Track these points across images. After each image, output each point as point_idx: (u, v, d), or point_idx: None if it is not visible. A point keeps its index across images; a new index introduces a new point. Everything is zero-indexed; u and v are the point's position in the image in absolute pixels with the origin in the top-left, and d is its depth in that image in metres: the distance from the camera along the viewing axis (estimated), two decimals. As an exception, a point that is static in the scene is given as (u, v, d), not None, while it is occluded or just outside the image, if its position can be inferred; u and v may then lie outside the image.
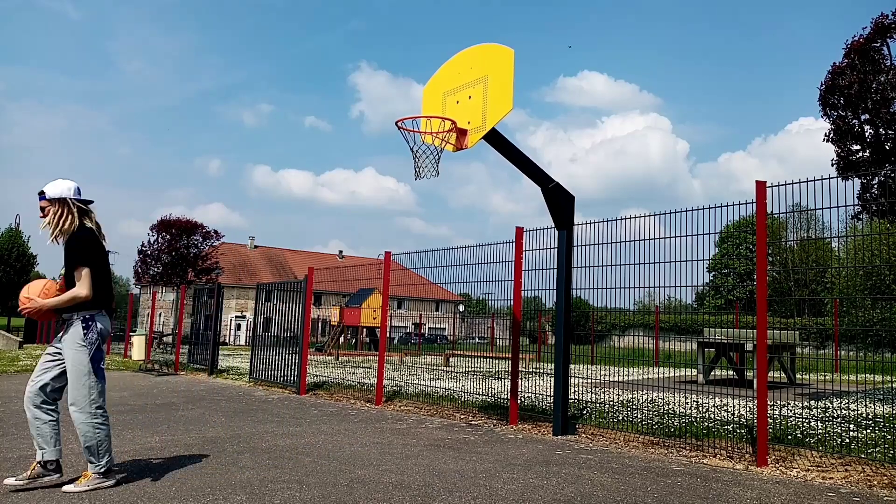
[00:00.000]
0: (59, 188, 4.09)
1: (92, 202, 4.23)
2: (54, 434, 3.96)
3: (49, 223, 4.05)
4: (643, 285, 6.08)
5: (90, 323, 4.01)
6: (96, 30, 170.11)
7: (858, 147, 15.05)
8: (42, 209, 4.08)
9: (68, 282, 4.06)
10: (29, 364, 14.56)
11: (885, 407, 7.50)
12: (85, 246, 4.03)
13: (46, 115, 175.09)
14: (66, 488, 3.86)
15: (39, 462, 3.93)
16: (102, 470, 3.95)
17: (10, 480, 3.89)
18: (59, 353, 4.02)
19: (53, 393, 4.01)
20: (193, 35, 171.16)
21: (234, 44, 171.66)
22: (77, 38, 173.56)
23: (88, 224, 4.12)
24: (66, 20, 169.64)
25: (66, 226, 4.04)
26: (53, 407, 3.99)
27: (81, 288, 3.96)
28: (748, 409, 7.20)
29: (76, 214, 4.07)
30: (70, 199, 4.09)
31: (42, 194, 4.07)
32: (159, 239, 44.07)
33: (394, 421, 7.01)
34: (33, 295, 4.05)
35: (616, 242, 6.22)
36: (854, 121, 15.07)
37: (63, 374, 4.00)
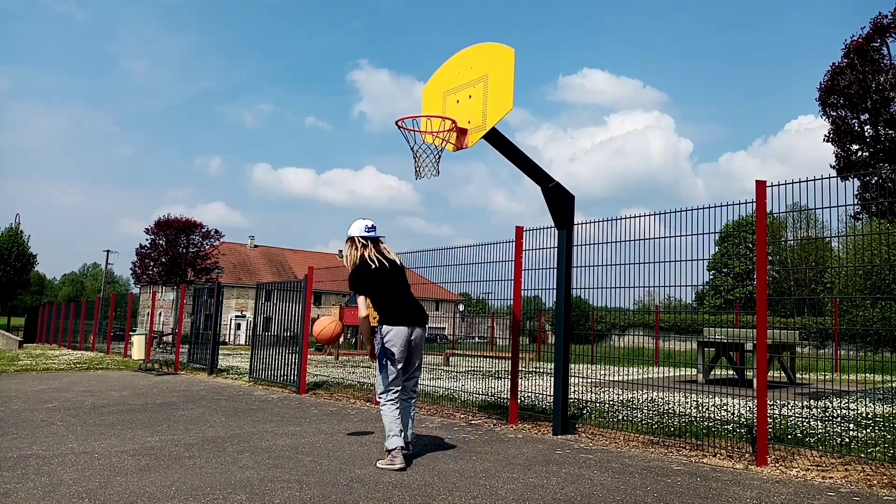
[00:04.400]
0: (350, 229, 4.90)
1: (379, 237, 4.95)
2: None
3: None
4: (643, 285, 6.07)
5: (377, 333, 4.85)
6: (100, 31, 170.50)
7: (858, 147, 15.04)
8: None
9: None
10: (29, 364, 14.55)
11: (885, 407, 7.50)
12: (355, 278, 4.83)
13: (50, 115, 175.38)
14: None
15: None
16: (388, 448, 4.60)
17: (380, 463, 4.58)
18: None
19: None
20: (196, 36, 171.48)
21: (235, 44, 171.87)
22: (81, 38, 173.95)
23: (369, 255, 4.82)
24: (71, 21, 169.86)
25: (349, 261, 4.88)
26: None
27: (360, 312, 4.92)
28: (748, 408, 7.20)
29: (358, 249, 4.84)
30: (356, 237, 4.86)
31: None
32: (157, 240, 43.99)
33: (394, 420, 7.00)
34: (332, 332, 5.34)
35: (616, 242, 6.21)
36: (854, 121, 15.06)
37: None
